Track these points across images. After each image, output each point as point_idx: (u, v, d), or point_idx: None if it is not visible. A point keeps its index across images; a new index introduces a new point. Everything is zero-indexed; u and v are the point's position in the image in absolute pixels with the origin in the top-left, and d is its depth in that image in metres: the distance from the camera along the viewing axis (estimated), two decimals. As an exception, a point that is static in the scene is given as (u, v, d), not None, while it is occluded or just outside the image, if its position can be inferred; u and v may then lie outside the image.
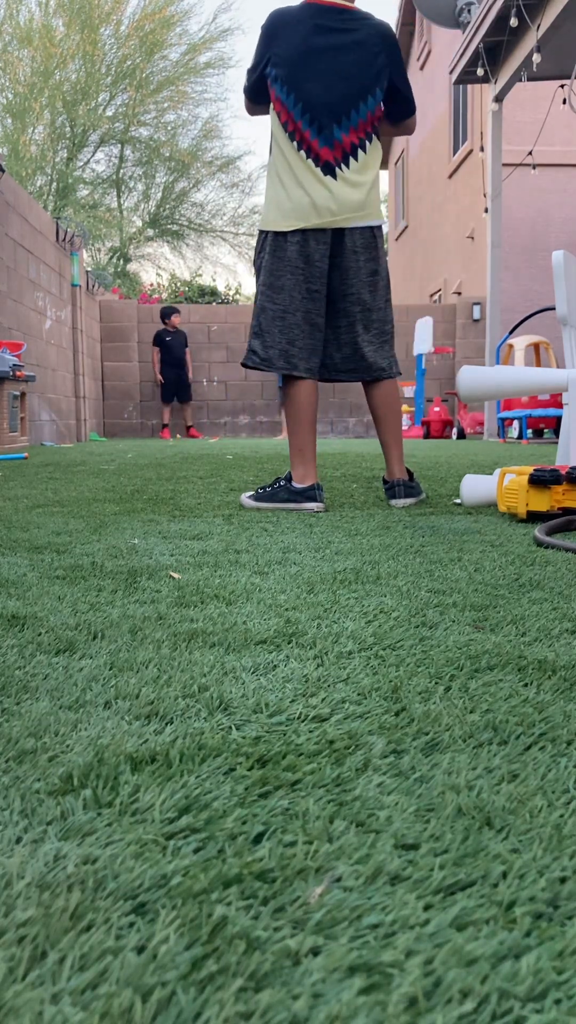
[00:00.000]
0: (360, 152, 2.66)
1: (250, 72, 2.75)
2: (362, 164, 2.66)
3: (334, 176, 2.63)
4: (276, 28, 2.63)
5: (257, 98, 2.77)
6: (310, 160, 2.63)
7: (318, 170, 2.63)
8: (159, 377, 11.95)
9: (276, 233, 2.67)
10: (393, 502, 2.77)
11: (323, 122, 2.62)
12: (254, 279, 2.80)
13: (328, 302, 2.73)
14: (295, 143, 2.64)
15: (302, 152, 2.63)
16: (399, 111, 2.75)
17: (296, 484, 2.67)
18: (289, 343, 2.67)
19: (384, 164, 21.09)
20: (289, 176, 2.65)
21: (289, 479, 2.69)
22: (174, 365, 11.92)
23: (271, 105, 2.71)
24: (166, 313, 11.98)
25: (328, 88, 2.61)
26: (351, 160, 2.65)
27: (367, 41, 2.63)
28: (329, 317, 2.75)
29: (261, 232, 2.75)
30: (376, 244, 2.74)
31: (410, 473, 2.86)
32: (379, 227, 2.74)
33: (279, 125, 2.68)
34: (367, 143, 2.68)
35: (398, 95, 2.71)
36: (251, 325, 2.75)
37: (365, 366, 2.77)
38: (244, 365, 2.74)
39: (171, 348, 11.89)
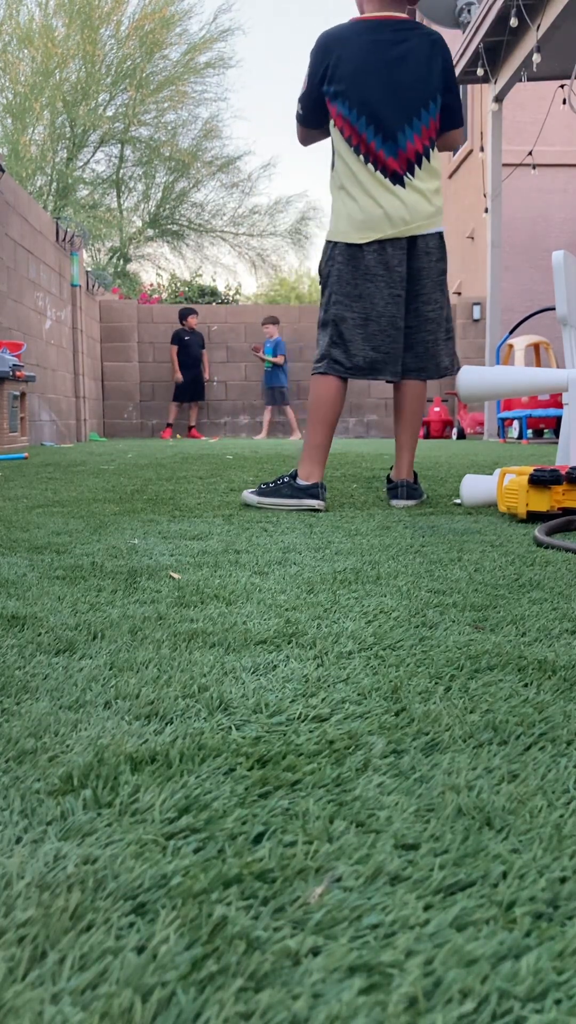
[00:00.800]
0: (425, 160, 2.70)
1: (304, 97, 2.77)
2: (428, 171, 2.71)
3: (403, 185, 2.67)
4: (329, 47, 2.67)
5: (313, 121, 2.79)
6: (378, 172, 2.66)
7: (387, 180, 2.66)
8: (178, 375, 11.99)
9: (349, 244, 2.70)
10: (394, 502, 2.77)
11: (387, 132, 2.65)
12: (321, 288, 2.82)
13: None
14: (361, 156, 2.67)
15: (369, 165, 2.67)
16: (448, 121, 2.77)
17: (301, 481, 2.68)
18: (374, 349, 2.71)
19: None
20: (357, 188, 2.68)
21: (294, 476, 2.70)
22: (190, 365, 11.97)
23: (332, 123, 2.73)
24: (184, 314, 12.06)
25: (389, 98, 2.65)
26: (416, 168, 2.69)
27: (420, 50, 2.67)
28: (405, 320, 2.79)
29: (330, 242, 2.77)
30: (442, 245, 2.80)
31: (415, 475, 2.88)
32: (443, 231, 2.81)
33: (342, 140, 2.70)
34: (431, 150, 2.72)
35: (449, 104, 2.75)
36: (324, 334, 2.76)
37: (434, 364, 2.82)
38: (323, 373, 2.74)
39: (188, 348, 11.96)
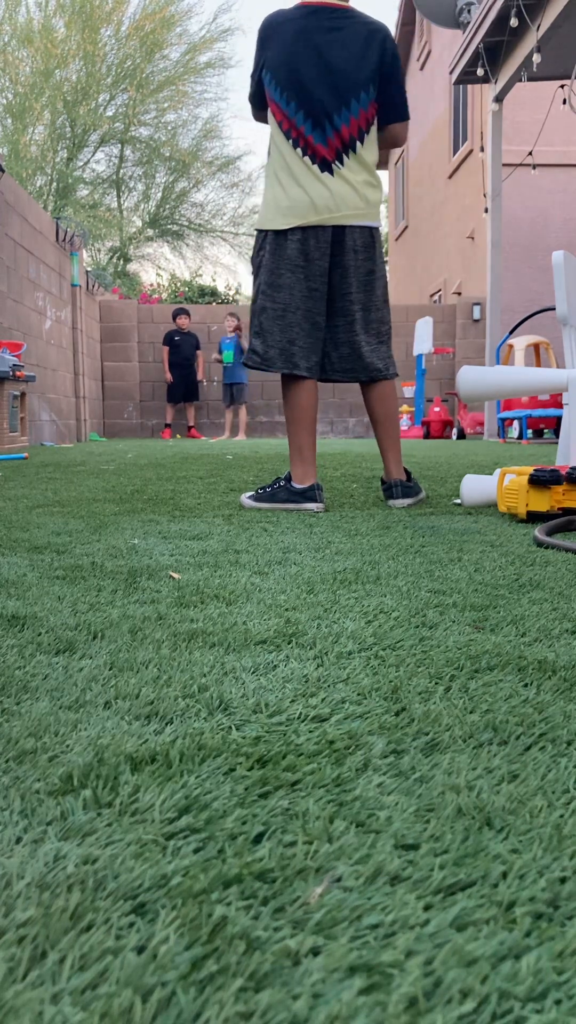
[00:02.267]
0: (357, 145, 2.65)
1: (252, 79, 2.78)
2: (358, 160, 2.66)
3: (331, 172, 2.63)
4: (268, 32, 2.66)
5: (260, 104, 2.78)
6: (307, 158, 2.63)
7: (315, 167, 2.63)
8: (168, 376, 11.98)
9: (276, 232, 2.67)
10: (391, 503, 2.77)
11: (317, 118, 2.62)
12: (252, 278, 2.80)
13: (327, 301, 2.73)
14: (291, 141, 2.65)
15: (299, 150, 2.64)
16: (387, 114, 2.72)
17: (296, 484, 2.66)
18: (290, 342, 2.67)
19: (384, 164, 21.09)
20: (287, 175, 2.66)
21: (289, 479, 2.69)
22: (181, 365, 11.93)
23: (269, 107, 2.72)
24: (174, 315, 12.03)
25: (320, 85, 2.61)
26: (346, 156, 2.64)
27: (358, 38, 2.62)
28: (327, 316, 2.74)
29: (259, 232, 2.75)
30: (374, 244, 2.74)
31: (408, 473, 2.86)
32: (377, 229, 2.75)
33: (276, 126, 2.69)
34: (364, 137, 2.67)
35: (391, 96, 2.70)
36: (251, 325, 2.75)
37: (362, 366, 2.76)
38: (245, 365, 2.74)
39: (180, 348, 11.91)
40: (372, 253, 2.73)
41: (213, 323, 12.73)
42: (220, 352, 11.63)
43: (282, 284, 2.66)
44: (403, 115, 2.75)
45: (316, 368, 2.72)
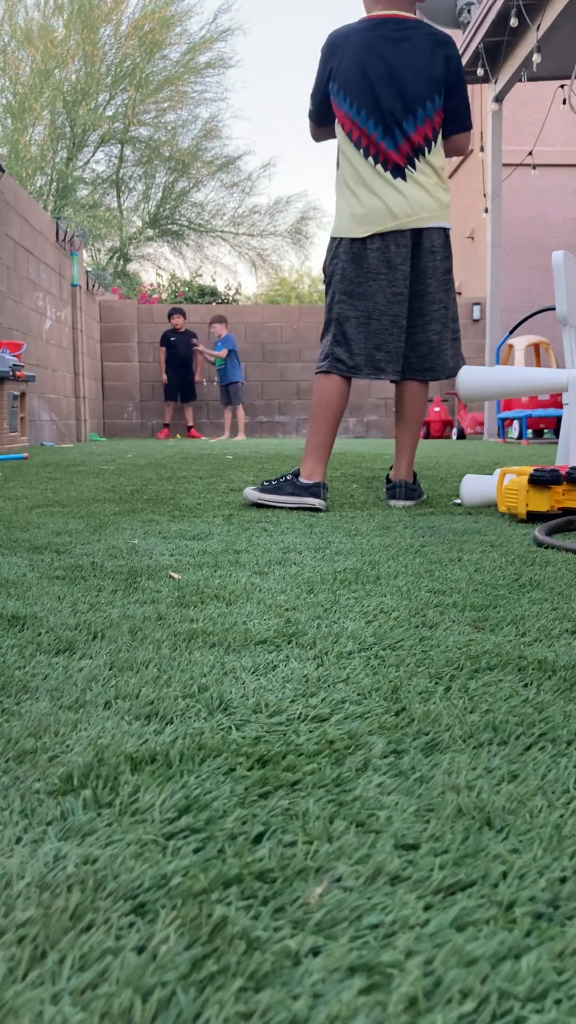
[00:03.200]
0: (426, 152, 2.70)
1: (313, 95, 2.81)
2: (429, 164, 2.71)
3: (404, 178, 2.68)
4: (335, 46, 2.71)
5: (322, 119, 2.81)
6: (379, 165, 2.67)
7: (388, 174, 2.67)
8: (164, 377, 11.98)
9: (353, 240, 2.71)
10: (391, 502, 2.78)
11: (388, 125, 2.66)
12: (326, 287, 2.82)
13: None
14: (362, 150, 2.68)
15: (370, 159, 2.68)
16: (455, 124, 2.76)
17: (303, 480, 2.67)
18: (375, 348, 2.72)
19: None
20: (359, 184, 2.70)
21: (296, 474, 2.70)
22: (177, 365, 11.91)
23: (335, 120, 2.75)
24: (169, 314, 12.01)
25: (389, 92, 2.65)
26: (417, 161, 2.69)
27: (424, 48, 2.67)
28: (407, 317, 2.78)
29: (333, 239, 2.78)
30: (448, 244, 2.80)
31: (414, 476, 2.88)
32: (450, 229, 2.81)
33: (344, 136, 2.72)
34: (432, 144, 2.71)
35: (456, 106, 2.73)
36: (328, 332, 2.76)
37: (441, 364, 2.82)
38: (328, 372, 2.73)
39: (176, 348, 11.89)
40: (448, 252, 2.79)
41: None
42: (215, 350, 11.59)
43: (364, 292, 2.70)
44: (466, 125, 2.79)
45: (399, 372, 2.76)
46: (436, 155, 2.73)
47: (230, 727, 0.78)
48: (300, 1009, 0.41)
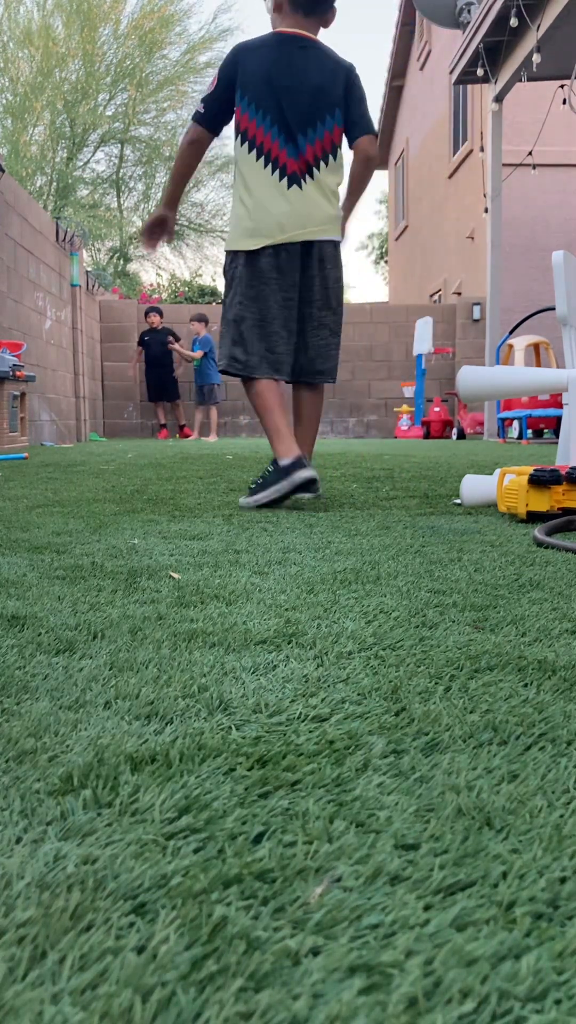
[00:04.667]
0: (323, 164, 2.79)
1: (208, 98, 2.83)
2: (325, 176, 2.80)
3: (299, 186, 2.75)
4: (240, 55, 2.79)
5: (211, 122, 2.84)
6: (275, 173, 2.75)
7: (282, 183, 2.75)
8: (132, 372, 11.97)
9: (247, 252, 2.79)
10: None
11: (290, 133, 2.75)
12: (225, 291, 2.92)
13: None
14: (262, 158, 2.76)
15: (269, 167, 2.75)
16: (354, 129, 2.84)
17: (282, 460, 2.69)
18: (269, 350, 2.80)
19: (384, 164, 21.09)
20: (251, 195, 2.77)
21: (274, 463, 2.74)
22: (153, 364, 11.82)
23: (235, 128, 2.82)
24: (145, 312, 11.91)
25: (294, 102, 2.75)
26: (316, 170, 2.78)
27: (328, 66, 2.80)
28: (298, 322, 2.89)
29: (229, 252, 2.87)
30: (338, 255, 2.90)
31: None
32: (340, 242, 2.90)
33: (243, 145, 2.79)
34: (331, 157, 2.81)
35: (356, 113, 2.84)
36: (227, 333, 2.86)
37: (330, 368, 2.94)
38: (227, 372, 2.86)
39: (149, 347, 11.75)
40: (337, 263, 2.89)
41: (213, 323, 12.73)
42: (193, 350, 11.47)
43: (258, 295, 2.78)
44: (370, 129, 2.88)
45: (290, 372, 2.88)
46: (333, 171, 2.82)
47: (230, 727, 0.78)
48: (300, 1009, 0.41)
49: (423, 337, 11.39)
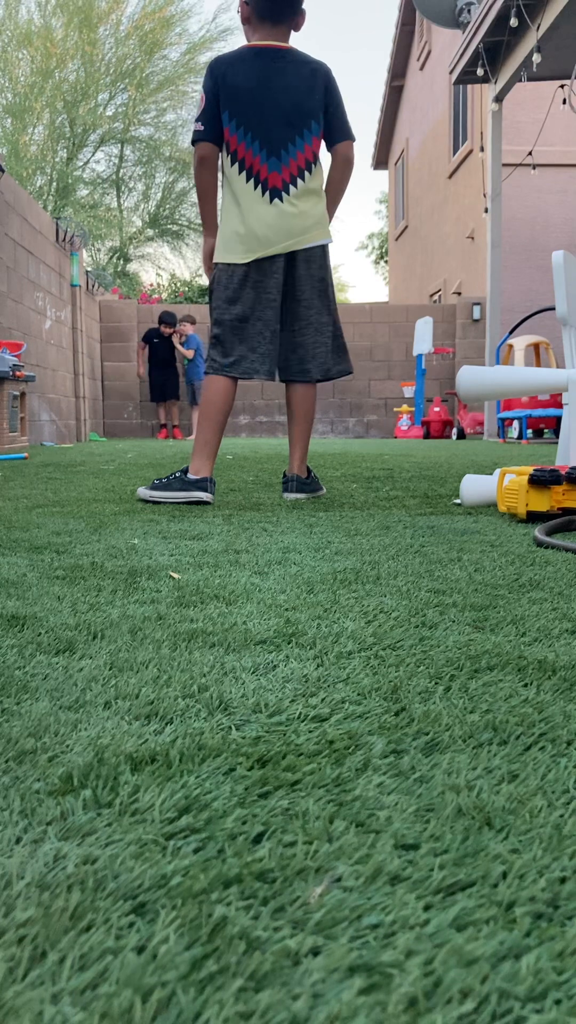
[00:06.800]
0: (307, 173, 2.85)
1: (204, 114, 2.85)
2: (306, 188, 2.85)
3: (281, 199, 2.81)
4: (219, 69, 2.81)
5: (215, 135, 2.85)
6: (258, 190, 2.80)
7: (265, 198, 2.80)
8: (140, 370, 11.99)
9: (234, 264, 2.85)
10: (285, 495, 2.97)
11: (272, 148, 2.80)
12: (209, 295, 2.96)
13: (283, 310, 2.92)
14: (243, 173, 2.80)
15: (250, 183, 2.80)
16: (333, 135, 2.90)
17: (191, 476, 2.80)
18: (249, 350, 2.85)
19: (384, 164, 21.09)
20: (238, 207, 2.82)
21: (185, 471, 2.82)
22: (159, 366, 11.87)
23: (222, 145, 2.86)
24: (161, 318, 11.90)
25: (275, 116, 2.80)
26: (299, 181, 2.83)
27: (304, 75, 2.84)
28: (285, 323, 2.94)
29: (216, 263, 2.91)
30: (325, 256, 2.94)
31: (309, 471, 3.07)
32: (327, 244, 2.94)
33: (228, 159, 2.84)
34: (313, 166, 2.87)
35: (335, 119, 2.89)
36: (211, 336, 2.90)
37: (317, 367, 2.97)
38: (206, 373, 2.91)
39: (157, 350, 11.82)
40: (324, 262, 2.94)
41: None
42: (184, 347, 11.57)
43: (238, 298, 2.83)
44: (348, 134, 2.94)
45: (274, 372, 2.91)
46: (315, 176, 2.88)
47: (230, 727, 0.78)
48: (300, 1009, 0.41)
49: (423, 337, 11.39)
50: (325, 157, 2.99)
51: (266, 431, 12.82)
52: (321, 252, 2.91)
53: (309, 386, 3.02)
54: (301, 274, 2.87)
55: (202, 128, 2.84)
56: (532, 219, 12.92)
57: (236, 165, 2.82)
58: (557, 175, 12.81)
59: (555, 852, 0.56)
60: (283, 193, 2.81)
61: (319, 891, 0.51)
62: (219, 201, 2.97)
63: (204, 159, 2.87)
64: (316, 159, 2.89)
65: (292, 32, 2.88)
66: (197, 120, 2.86)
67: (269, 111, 2.79)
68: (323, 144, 2.93)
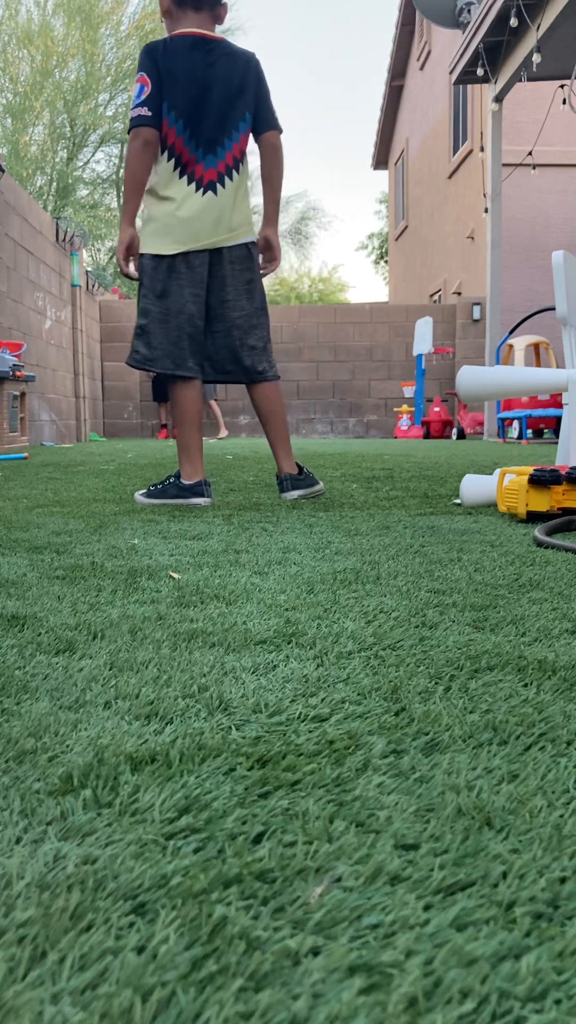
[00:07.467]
0: (234, 172, 2.85)
1: (150, 100, 2.73)
2: (236, 185, 2.85)
3: (215, 193, 2.80)
4: (155, 55, 2.75)
5: (160, 123, 2.76)
6: (191, 185, 2.78)
7: (198, 193, 2.78)
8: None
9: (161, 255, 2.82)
10: (283, 495, 2.93)
11: (207, 144, 2.79)
12: (139, 286, 2.93)
13: (207, 308, 2.88)
14: (178, 169, 2.78)
15: (184, 178, 2.78)
16: (260, 125, 2.88)
17: (185, 481, 2.79)
18: (173, 344, 2.82)
19: (384, 164, 21.09)
20: (166, 199, 2.79)
21: (178, 476, 2.81)
22: None
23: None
24: None
25: (209, 112, 2.78)
26: (227, 180, 2.83)
27: (236, 69, 2.81)
28: (208, 323, 2.90)
29: (143, 253, 2.87)
30: (252, 256, 2.91)
31: (300, 467, 3.01)
32: (253, 243, 2.92)
33: (161, 150, 2.80)
34: (240, 165, 2.87)
35: (262, 110, 2.88)
36: (135, 327, 2.88)
37: (242, 369, 2.94)
38: (129, 364, 2.89)
39: None
40: (250, 263, 2.91)
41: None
42: None
43: (165, 290, 2.81)
44: (275, 125, 2.92)
45: (198, 369, 2.88)
46: (243, 173, 2.89)
47: (230, 727, 0.78)
48: (300, 1009, 0.41)
49: (423, 337, 11.39)
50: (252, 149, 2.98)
51: (266, 431, 12.80)
52: (247, 252, 2.88)
53: (267, 384, 2.98)
54: (226, 273, 2.84)
55: (149, 114, 2.74)
56: (532, 219, 12.92)
57: (169, 156, 2.77)
58: (557, 175, 12.81)
59: (555, 852, 0.56)
60: (217, 186, 2.79)
61: (319, 891, 0.51)
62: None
63: (148, 143, 2.77)
64: (244, 156, 2.89)
65: (216, 25, 2.84)
66: (142, 104, 2.75)
67: (206, 106, 2.76)
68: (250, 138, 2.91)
